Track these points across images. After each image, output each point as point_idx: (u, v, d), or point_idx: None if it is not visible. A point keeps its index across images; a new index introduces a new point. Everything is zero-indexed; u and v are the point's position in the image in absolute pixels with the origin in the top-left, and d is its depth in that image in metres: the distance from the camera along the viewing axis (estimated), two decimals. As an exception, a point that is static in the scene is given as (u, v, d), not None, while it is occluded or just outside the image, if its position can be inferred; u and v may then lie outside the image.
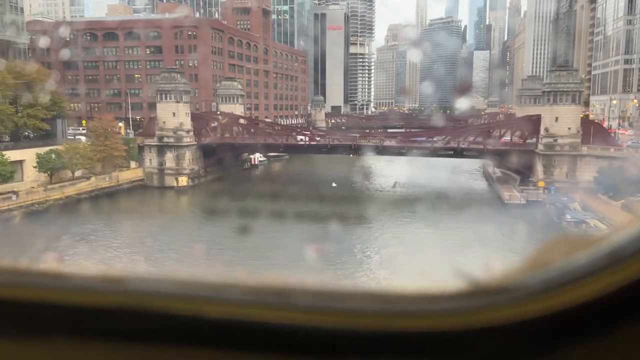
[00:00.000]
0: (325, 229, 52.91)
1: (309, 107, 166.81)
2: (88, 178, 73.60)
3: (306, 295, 1.16)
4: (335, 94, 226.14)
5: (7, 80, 67.98)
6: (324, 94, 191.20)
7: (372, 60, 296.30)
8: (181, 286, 1.21)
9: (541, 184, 66.62)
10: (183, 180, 78.52)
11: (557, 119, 68.53)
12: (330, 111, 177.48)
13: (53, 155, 67.00)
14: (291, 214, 59.16)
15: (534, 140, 72.68)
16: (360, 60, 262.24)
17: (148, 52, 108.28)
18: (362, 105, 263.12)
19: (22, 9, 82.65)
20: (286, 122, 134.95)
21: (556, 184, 65.20)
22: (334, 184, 74.06)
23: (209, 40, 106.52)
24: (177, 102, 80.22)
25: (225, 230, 49.25)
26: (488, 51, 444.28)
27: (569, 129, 68.65)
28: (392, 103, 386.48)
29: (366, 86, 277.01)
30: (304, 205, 66.96)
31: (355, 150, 77.27)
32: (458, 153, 76.61)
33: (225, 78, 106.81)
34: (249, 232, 49.09)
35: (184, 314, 1.16)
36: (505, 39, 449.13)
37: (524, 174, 71.29)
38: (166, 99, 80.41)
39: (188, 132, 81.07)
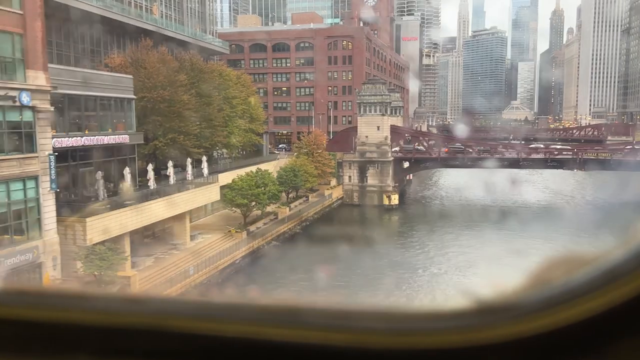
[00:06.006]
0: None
1: (410, 119, 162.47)
2: (307, 197, 68.95)
3: (318, 314, 1.20)
4: (410, 106, 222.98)
5: (239, 94, 63.60)
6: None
7: (437, 71, 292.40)
8: (200, 306, 1.25)
9: None
10: (394, 199, 73.63)
11: None
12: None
13: (292, 173, 62.16)
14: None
15: None
16: (425, 71, 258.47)
17: (298, 64, 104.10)
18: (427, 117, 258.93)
19: (215, 17, 78.73)
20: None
21: None
22: None
23: (363, 52, 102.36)
24: (383, 115, 75.71)
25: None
26: (533, 62, 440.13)
27: None
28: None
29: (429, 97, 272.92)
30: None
31: (581, 164, 72.46)
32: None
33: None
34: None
35: (203, 333, 1.20)
36: (545, 48, 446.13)
37: None
38: (370, 112, 75.87)
39: (389, 146, 76.50)
